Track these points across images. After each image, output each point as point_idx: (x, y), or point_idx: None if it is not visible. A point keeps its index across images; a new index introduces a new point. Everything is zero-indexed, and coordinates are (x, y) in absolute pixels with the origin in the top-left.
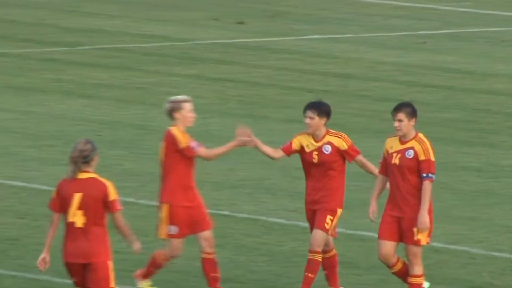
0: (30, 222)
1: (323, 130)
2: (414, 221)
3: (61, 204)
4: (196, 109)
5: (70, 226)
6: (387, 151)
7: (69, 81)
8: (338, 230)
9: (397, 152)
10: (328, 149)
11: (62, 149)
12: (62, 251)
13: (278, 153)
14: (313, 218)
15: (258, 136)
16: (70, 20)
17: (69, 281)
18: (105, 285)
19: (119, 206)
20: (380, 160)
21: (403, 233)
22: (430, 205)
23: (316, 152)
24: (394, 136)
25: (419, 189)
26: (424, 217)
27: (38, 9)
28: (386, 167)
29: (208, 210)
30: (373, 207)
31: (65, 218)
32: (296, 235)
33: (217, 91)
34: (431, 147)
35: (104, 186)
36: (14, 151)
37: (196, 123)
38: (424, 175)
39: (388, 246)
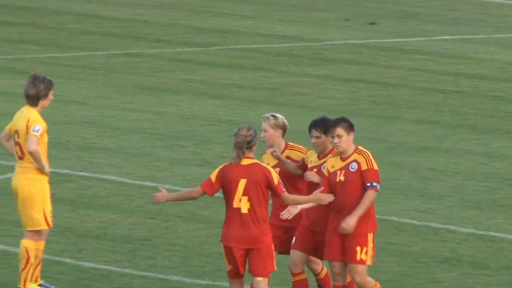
0: (160, 223)
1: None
2: (357, 239)
3: (223, 189)
4: (327, 110)
5: (235, 212)
6: (328, 170)
7: (201, 82)
8: (469, 230)
9: (341, 169)
10: None
11: (193, 149)
12: (223, 236)
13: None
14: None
15: (390, 137)
16: (202, 20)
17: (201, 282)
18: (270, 268)
19: (284, 189)
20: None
21: (345, 251)
22: (373, 220)
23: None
24: (334, 156)
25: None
26: (351, 220)
27: (170, 9)
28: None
29: None
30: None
31: (228, 204)
32: (426, 235)
33: (348, 92)
34: (373, 157)
35: (267, 171)
36: (145, 151)
37: None
38: (368, 184)
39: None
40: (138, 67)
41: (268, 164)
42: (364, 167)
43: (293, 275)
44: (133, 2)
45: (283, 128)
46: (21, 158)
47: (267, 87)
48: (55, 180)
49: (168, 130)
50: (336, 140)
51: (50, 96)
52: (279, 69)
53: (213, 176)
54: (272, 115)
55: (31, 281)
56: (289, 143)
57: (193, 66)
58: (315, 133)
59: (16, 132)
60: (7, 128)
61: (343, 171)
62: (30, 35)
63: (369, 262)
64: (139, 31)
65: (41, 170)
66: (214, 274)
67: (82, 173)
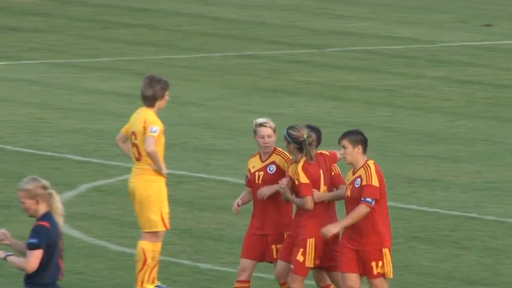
0: None
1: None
2: (372, 254)
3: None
4: (443, 112)
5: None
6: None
7: (318, 83)
8: None
9: (349, 184)
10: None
11: None
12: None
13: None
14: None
15: (506, 139)
16: (319, 22)
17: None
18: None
19: None
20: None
21: (363, 266)
22: (387, 235)
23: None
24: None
25: (371, 219)
26: (333, 227)
27: (287, 11)
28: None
29: (456, 213)
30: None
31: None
32: None
33: (464, 94)
34: (376, 172)
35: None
36: None
37: (442, 125)
38: (362, 198)
39: (354, 278)
40: (255, 68)
41: (254, 167)
42: (364, 182)
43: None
44: (250, 3)
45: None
46: (138, 159)
47: (384, 88)
48: (172, 182)
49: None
50: (341, 151)
51: (166, 97)
52: (395, 71)
53: (303, 179)
54: (270, 120)
55: (148, 282)
56: (277, 148)
57: (310, 67)
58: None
59: (133, 133)
60: (123, 130)
61: (351, 187)
62: (147, 36)
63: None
64: (255, 33)
65: (158, 171)
66: None
67: (199, 175)
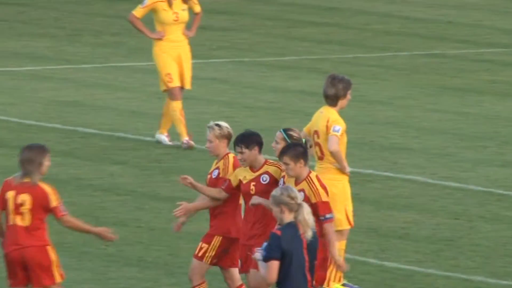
0: (464, 223)
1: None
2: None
3: None
4: None
5: None
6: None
7: (505, 83)
8: None
9: None
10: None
11: (497, 150)
12: None
13: (221, 194)
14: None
15: None
16: (507, 21)
17: (503, 282)
18: None
19: None
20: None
21: None
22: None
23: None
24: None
25: None
26: (338, 260)
27: (474, 10)
28: None
29: None
30: None
31: None
32: None
33: None
34: (322, 185)
35: None
36: (449, 151)
37: None
38: (321, 217)
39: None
40: (442, 67)
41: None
42: (313, 200)
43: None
44: (437, 2)
45: (228, 138)
46: (321, 158)
47: None
48: (359, 180)
49: (471, 130)
50: (283, 166)
51: (348, 96)
52: None
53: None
54: (217, 124)
55: (334, 281)
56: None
57: (497, 67)
58: (238, 148)
59: (316, 132)
60: (305, 128)
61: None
62: (335, 35)
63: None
64: (443, 32)
65: (341, 170)
66: None
67: (386, 173)
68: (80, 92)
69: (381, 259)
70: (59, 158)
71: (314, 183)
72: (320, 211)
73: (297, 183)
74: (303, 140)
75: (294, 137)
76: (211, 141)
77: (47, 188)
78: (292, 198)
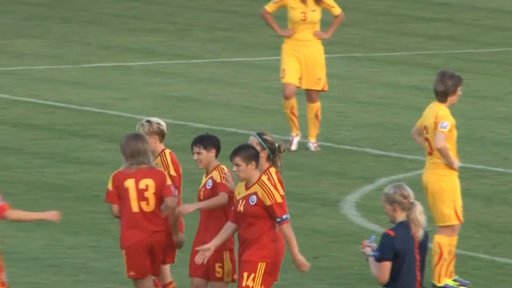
0: None
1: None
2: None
3: None
4: None
5: None
6: (235, 197)
7: None
8: None
9: (242, 198)
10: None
11: None
12: None
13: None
14: None
15: None
16: None
17: None
18: None
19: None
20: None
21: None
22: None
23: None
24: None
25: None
26: (301, 260)
27: None
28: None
29: None
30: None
31: None
32: None
33: None
34: (275, 186)
35: None
36: None
37: None
38: (278, 219)
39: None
40: None
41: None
42: (267, 202)
43: None
44: None
45: (159, 134)
46: (430, 153)
47: None
48: (469, 176)
49: None
50: (234, 168)
51: (459, 92)
52: None
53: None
54: (147, 121)
55: (445, 276)
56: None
57: None
58: (196, 148)
59: (425, 128)
60: (418, 123)
61: (244, 202)
62: (446, 30)
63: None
64: None
65: (449, 166)
66: None
67: (497, 169)
68: (191, 87)
69: (492, 255)
70: None
71: (266, 185)
72: (277, 213)
73: (248, 186)
74: (276, 144)
75: (269, 141)
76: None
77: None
78: (405, 197)
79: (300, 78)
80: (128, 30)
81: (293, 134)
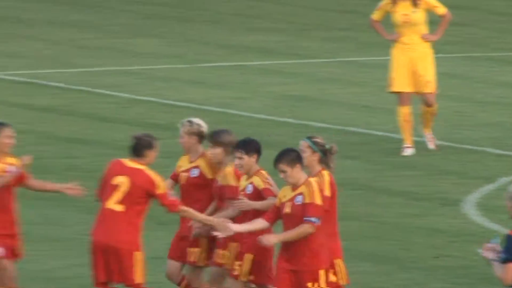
0: None
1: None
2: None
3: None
4: None
5: None
6: (279, 199)
7: None
8: None
9: (289, 200)
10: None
11: None
12: None
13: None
14: None
15: None
16: None
17: None
18: None
19: None
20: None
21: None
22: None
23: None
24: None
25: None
26: (273, 238)
27: None
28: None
29: None
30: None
31: None
32: None
33: None
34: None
35: None
36: None
37: None
38: (306, 218)
39: None
40: None
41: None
42: (307, 200)
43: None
44: None
45: (198, 135)
46: None
47: None
48: None
49: None
50: (282, 175)
51: None
52: None
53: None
54: (188, 121)
55: None
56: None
57: None
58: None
59: None
60: None
61: (290, 203)
62: None
63: None
64: None
65: None
66: None
67: None
68: (310, 87)
69: None
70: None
71: (311, 185)
72: (309, 212)
73: (294, 188)
74: (328, 146)
75: (320, 144)
76: (182, 136)
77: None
78: None
79: (410, 83)
80: (247, 30)
81: (426, 134)
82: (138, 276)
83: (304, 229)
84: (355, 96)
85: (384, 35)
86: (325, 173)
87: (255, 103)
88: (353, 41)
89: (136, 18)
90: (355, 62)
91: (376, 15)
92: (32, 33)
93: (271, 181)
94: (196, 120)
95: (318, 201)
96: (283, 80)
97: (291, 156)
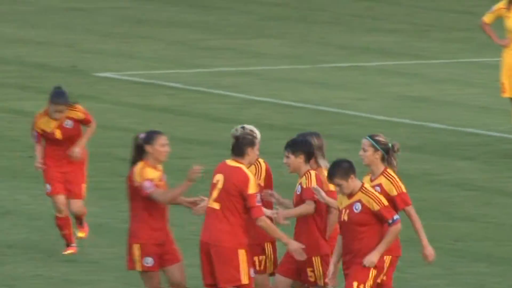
0: None
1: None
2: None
3: None
4: None
5: None
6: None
7: None
8: None
9: (346, 208)
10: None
11: None
12: None
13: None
14: None
15: None
16: None
17: None
18: None
19: None
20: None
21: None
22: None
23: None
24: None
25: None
26: (371, 257)
27: None
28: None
29: None
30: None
31: None
32: None
33: None
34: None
35: None
36: None
37: None
38: (390, 221)
39: None
40: None
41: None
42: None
43: None
44: None
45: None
46: None
47: None
48: None
49: None
50: (337, 188)
51: None
52: None
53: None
54: (242, 127)
55: None
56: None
57: None
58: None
59: None
60: None
61: (347, 211)
62: None
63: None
64: None
65: None
66: None
67: None
68: (429, 88)
69: None
70: (408, 153)
71: (370, 191)
72: (386, 216)
73: (350, 196)
74: (390, 144)
75: (382, 142)
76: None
77: None
78: None
79: None
80: (367, 30)
81: None
82: (244, 276)
83: (396, 231)
84: (473, 97)
85: (495, 39)
86: (391, 171)
87: (374, 104)
88: (473, 42)
89: (255, 19)
90: (475, 63)
91: (488, 18)
92: (151, 33)
93: (314, 182)
94: (249, 127)
95: (385, 202)
96: (402, 81)
97: (344, 168)
